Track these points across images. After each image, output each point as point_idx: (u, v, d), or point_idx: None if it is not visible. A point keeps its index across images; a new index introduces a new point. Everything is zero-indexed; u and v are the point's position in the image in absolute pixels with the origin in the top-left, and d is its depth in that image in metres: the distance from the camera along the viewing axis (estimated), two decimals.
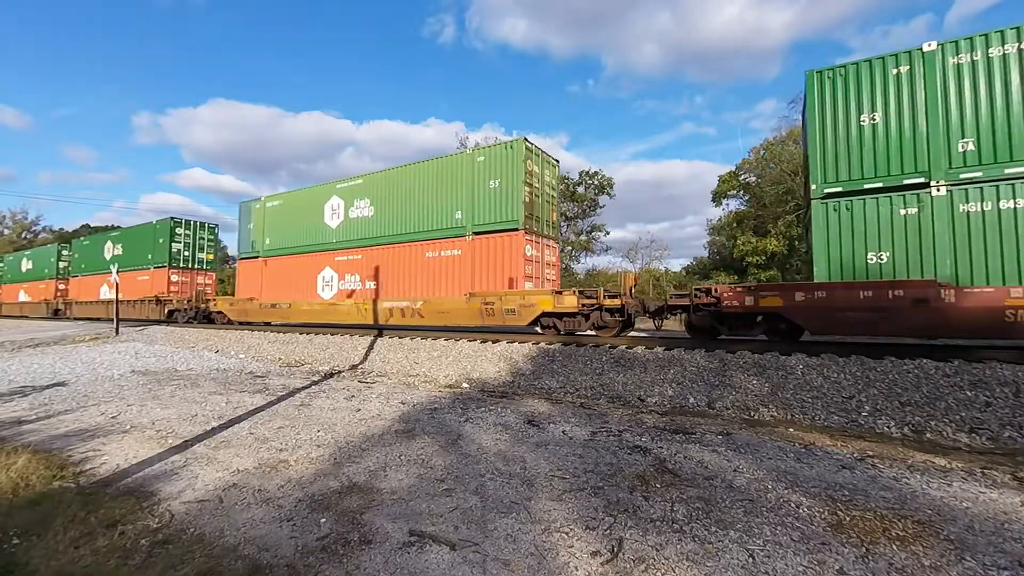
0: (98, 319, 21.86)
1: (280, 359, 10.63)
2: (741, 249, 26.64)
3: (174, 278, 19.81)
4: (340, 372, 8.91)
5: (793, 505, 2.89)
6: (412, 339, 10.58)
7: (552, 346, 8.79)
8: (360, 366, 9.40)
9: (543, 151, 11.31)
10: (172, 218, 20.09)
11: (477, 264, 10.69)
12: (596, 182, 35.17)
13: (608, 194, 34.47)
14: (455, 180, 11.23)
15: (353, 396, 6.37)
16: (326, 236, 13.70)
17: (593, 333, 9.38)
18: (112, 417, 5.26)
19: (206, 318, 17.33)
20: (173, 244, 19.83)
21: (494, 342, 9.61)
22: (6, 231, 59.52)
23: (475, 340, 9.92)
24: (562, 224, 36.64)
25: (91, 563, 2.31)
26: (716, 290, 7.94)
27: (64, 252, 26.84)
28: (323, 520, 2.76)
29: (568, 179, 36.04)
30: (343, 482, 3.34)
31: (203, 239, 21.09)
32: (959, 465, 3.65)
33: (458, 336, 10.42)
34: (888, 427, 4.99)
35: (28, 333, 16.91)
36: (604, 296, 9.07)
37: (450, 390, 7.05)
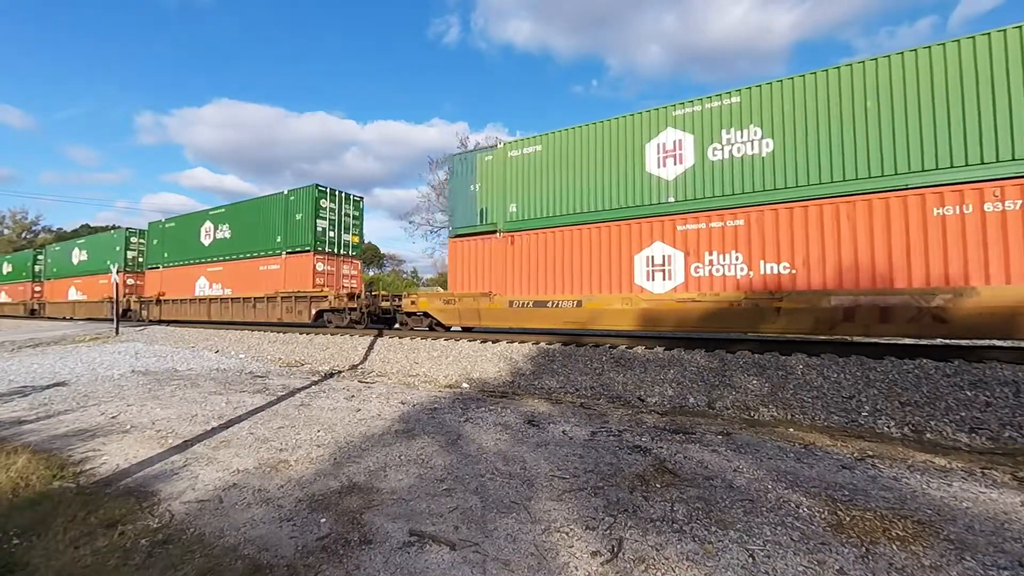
0: (194, 322, 17.55)
1: (280, 359, 10.63)
2: None
3: (319, 267, 14.38)
4: (340, 372, 8.91)
5: (793, 505, 2.89)
6: (412, 339, 10.58)
7: (552, 346, 8.79)
8: (360, 366, 9.40)
9: None
10: (317, 186, 14.59)
11: None
12: None
13: None
14: None
15: (353, 396, 6.37)
16: (653, 192, 8.62)
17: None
18: (112, 417, 5.26)
19: (379, 320, 13.24)
20: (318, 222, 14.53)
21: (494, 342, 9.62)
22: (6, 231, 59.57)
23: (475, 340, 9.92)
24: None
25: (91, 563, 2.31)
26: None
27: (133, 240, 22.04)
28: (323, 520, 2.76)
29: None
30: (343, 482, 3.34)
31: (348, 216, 15.60)
32: (959, 465, 3.65)
33: (458, 336, 10.42)
34: (888, 427, 4.99)
35: (28, 333, 16.91)
36: None
37: (450, 390, 7.05)
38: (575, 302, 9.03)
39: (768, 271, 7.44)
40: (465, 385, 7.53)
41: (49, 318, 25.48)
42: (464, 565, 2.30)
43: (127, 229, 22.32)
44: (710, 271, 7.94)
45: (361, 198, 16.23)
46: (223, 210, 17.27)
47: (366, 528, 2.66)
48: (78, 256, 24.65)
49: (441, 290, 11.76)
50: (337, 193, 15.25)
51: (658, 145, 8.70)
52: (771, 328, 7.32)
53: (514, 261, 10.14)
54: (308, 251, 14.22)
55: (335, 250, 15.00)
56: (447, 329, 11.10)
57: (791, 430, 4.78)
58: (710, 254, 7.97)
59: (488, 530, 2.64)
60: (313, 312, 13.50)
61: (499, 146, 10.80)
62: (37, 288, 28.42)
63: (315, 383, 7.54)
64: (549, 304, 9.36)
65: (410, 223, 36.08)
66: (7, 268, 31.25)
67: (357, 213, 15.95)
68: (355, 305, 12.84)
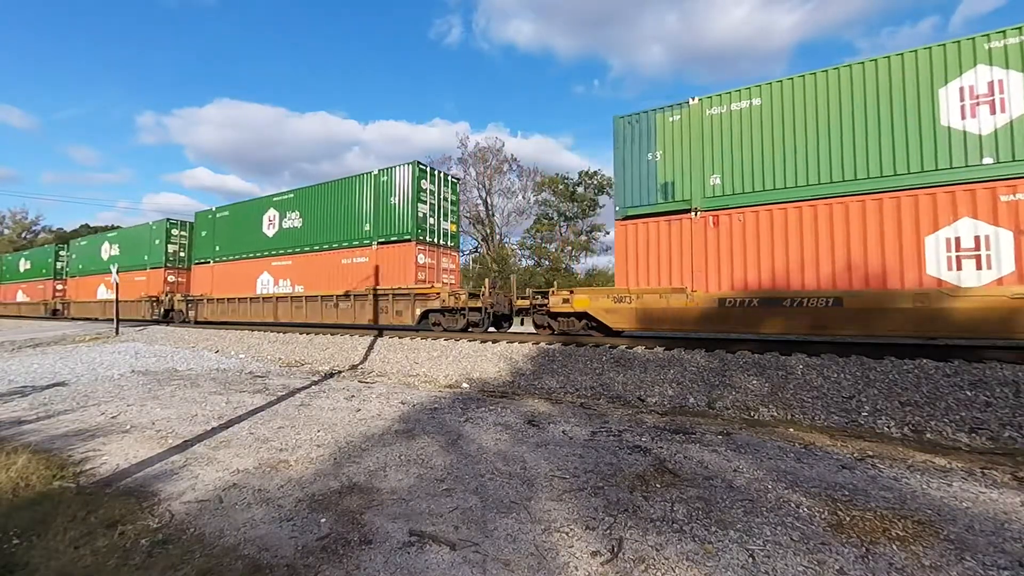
0: (257, 324, 15.40)
1: (280, 359, 10.63)
2: None
3: (421, 259, 12.25)
4: (340, 372, 8.91)
5: (793, 505, 2.89)
6: (412, 339, 10.58)
7: (552, 346, 8.79)
8: (360, 366, 9.40)
9: None
10: (418, 163, 12.44)
11: None
12: (595, 182, 35.31)
13: (608, 194, 34.59)
14: None
15: (353, 396, 6.37)
16: (954, 152, 6.49)
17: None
18: (112, 417, 5.26)
19: (502, 319, 11.47)
20: (419, 206, 12.31)
21: (494, 342, 9.62)
22: (6, 231, 59.57)
23: (475, 340, 9.92)
24: (562, 224, 36.73)
25: (91, 563, 2.31)
26: None
27: (175, 232, 20.07)
28: (323, 520, 2.76)
29: (568, 179, 36.13)
30: (343, 482, 3.34)
31: (446, 200, 13.31)
32: (959, 465, 3.65)
33: (458, 336, 10.42)
34: (888, 427, 4.99)
35: (28, 333, 16.91)
36: None
37: (450, 390, 7.05)
38: (829, 299, 6.85)
39: None
40: (465, 385, 7.53)
41: (73, 318, 23.43)
42: (464, 565, 2.30)
43: (167, 220, 20.32)
44: None
45: (458, 180, 14.05)
46: (291, 196, 15.10)
47: (366, 528, 2.66)
48: (108, 251, 22.45)
49: (610, 287, 9.31)
50: (437, 173, 13.10)
51: (961, 89, 6.51)
52: None
53: (719, 248, 7.99)
54: (409, 241, 12.08)
55: (435, 240, 12.81)
56: (610, 334, 9.12)
57: (791, 430, 4.78)
58: None
59: (488, 530, 2.64)
60: (418, 313, 11.57)
61: (692, 102, 8.51)
62: (60, 286, 26.41)
63: (315, 383, 7.54)
64: (785, 302, 7.17)
65: None
66: (25, 265, 29.02)
67: (455, 198, 13.79)
68: (478, 304, 10.76)
